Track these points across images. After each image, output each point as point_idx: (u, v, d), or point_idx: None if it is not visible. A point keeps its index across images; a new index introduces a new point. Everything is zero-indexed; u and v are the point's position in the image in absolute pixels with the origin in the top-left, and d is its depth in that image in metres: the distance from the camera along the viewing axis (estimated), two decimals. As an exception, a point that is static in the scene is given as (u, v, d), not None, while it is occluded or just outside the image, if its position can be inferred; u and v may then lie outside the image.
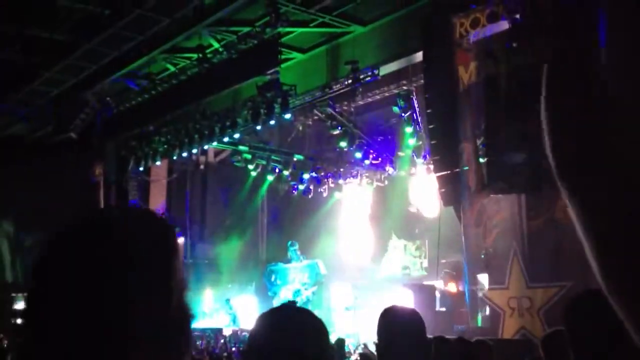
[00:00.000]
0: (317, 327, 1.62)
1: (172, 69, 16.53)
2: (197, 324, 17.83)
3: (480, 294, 12.02)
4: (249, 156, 18.92)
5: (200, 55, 15.16)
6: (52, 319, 0.98)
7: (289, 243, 19.23)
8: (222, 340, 15.65)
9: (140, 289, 1.00)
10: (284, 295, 18.27)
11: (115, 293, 0.98)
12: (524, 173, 10.86)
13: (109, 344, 0.96)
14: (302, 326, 1.61)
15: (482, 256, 12.88)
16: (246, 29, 14.36)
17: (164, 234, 1.07)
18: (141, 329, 0.99)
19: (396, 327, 2.58)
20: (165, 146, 17.95)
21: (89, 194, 20.41)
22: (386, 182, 19.05)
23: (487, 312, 11.80)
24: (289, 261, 19.29)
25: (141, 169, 19.36)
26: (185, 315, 1.06)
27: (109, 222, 1.06)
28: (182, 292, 1.07)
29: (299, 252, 19.14)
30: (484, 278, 12.41)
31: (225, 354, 10.68)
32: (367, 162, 18.03)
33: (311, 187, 19.99)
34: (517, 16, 11.49)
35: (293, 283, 18.41)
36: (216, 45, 15.15)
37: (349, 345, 13.16)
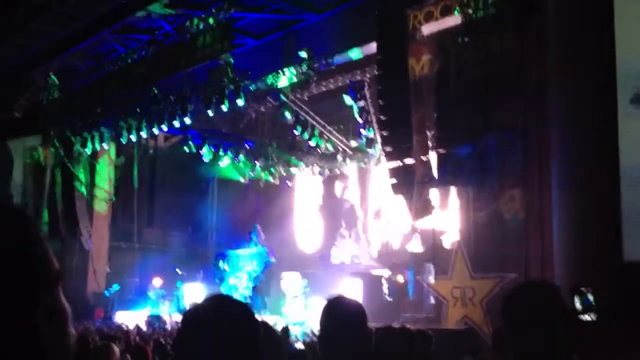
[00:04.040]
0: (246, 320, 1.61)
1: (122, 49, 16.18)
2: (143, 311, 17.59)
3: (425, 284, 12.23)
4: (199, 142, 18.70)
5: (151, 36, 14.86)
6: None
7: (255, 226, 18.96)
8: (161, 326, 15.46)
9: None
10: (232, 282, 18.19)
11: None
12: (470, 165, 11.08)
13: None
14: (229, 318, 1.60)
15: (428, 247, 13.10)
16: (199, 12, 14.15)
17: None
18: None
19: (337, 318, 2.60)
20: (114, 129, 17.56)
21: (35, 175, 19.88)
22: (338, 172, 19.13)
23: (432, 301, 12.03)
24: (239, 247, 19.17)
25: (88, 151, 18.92)
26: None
27: None
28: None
29: (258, 238, 18.93)
30: (430, 268, 12.62)
31: (164, 340, 10.56)
32: (319, 150, 18.08)
33: (262, 174, 19.94)
34: (470, 11, 11.67)
35: (242, 271, 18.34)
36: (168, 27, 14.89)
37: (296, 334, 13.21)
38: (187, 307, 1.68)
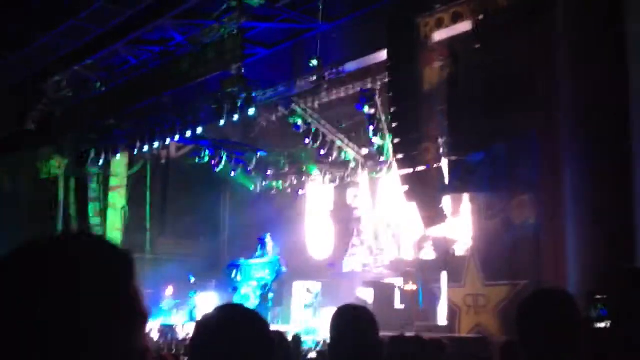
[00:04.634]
0: (259, 329, 1.62)
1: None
2: (156, 321, 17.60)
3: (438, 292, 12.16)
4: (211, 151, 18.79)
5: (163, 47, 14.96)
6: None
7: (265, 236, 19.03)
8: (174, 336, 15.49)
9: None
10: (244, 291, 18.18)
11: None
12: (480, 172, 11.03)
13: None
14: (241, 328, 1.61)
15: (440, 254, 13.03)
16: (210, 23, 14.23)
17: (117, 266, 0.97)
18: None
19: (346, 326, 2.59)
20: (126, 140, 17.66)
21: (49, 187, 20.00)
22: (349, 180, 19.10)
23: (445, 309, 11.95)
24: (251, 257, 19.20)
25: (101, 162, 19.03)
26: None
27: (59, 249, 0.96)
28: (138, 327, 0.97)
29: (267, 248, 18.96)
30: (443, 276, 12.56)
31: (176, 349, 10.57)
32: (330, 158, 18.08)
33: (274, 183, 19.97)
34: (480, 17, 11.65)
35: (254, 280, 18.33)
36: (179, 37, 14.98)
37: (308, 343, 13.17)
38: (200, 317, 1.69)
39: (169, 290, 18.97)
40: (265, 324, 1.65)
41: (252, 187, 21.18)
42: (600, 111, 9.23)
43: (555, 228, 10.12)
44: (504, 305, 10.15)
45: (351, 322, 2.64)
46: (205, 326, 1.64)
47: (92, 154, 18.82)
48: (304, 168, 19.64)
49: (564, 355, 2.14)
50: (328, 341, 2.96)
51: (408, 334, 5.48)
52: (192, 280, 19.03)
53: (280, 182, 20.42)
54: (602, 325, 5.46)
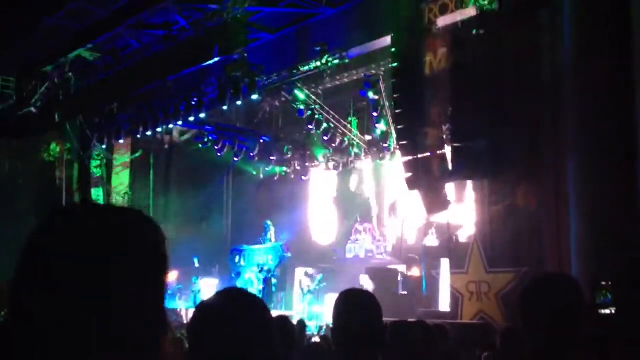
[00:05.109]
0: (258, 312, 1.61)
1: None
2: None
3: (440, 278, 12.16)
4: (214, 137, 18.77)
5: (166, 31, 14.89)
6: (37, 304, 0.92)
7: (266, 223, 19.09)
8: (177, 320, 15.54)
9: (133, 285, 0.97)
10: (247, 276, 18.23)
11: (102, 285, 0.94)
12: (486, 159, 10.98)
13: (92, 338, 0.92)
14: (240, 310, 1.61)
15: (444, 241, 13.01)
16: (214, 7, 14.15)
17: (158, 234, 1.06)
18: (126, 328, 0.95)
19: (349, 309, 2.58)
20: (129, 124, 17.64)
21: (51, 171, 20.02)
22: (352, 166, 19.07)
23: (447, 296, 11.97)
24: (254, 242, 19.24)
25: (104, 146, 19.02)
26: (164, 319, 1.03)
27: (105, 213, 1.02)
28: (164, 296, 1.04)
29: (269, 235, 19.02)
30: (445, 262, 12.57)
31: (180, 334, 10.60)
32: (334, 145, 18.04)
33: (277, 169, 19.94)
34: (485, 2, 11.55)
35: (257, 265, 18.38)
36: (183, 22, 14.90)
37: (312, 328, 13.21)
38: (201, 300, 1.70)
39: (173, 275, 19.02)
40: (265, 308, 1.64)
41: (255, 173, 21.18)
42: (605, 100, 9.18)
43: (558, 215, 10.09)
44: (506, 292, 10.16)
45: (354, 306, 2.63)
46: (205, 309, 1.64)
47: (95, 139, 18.80)
48: (310, 153, 19.59)
49: (569, 340, 2.13)
50: (331, 326, 2.95)
51: (411, 320, 5.48)
52: (197, 263, 19.07)
53: (284, 167, 20.40)
54: (606, 311, 5.45)
